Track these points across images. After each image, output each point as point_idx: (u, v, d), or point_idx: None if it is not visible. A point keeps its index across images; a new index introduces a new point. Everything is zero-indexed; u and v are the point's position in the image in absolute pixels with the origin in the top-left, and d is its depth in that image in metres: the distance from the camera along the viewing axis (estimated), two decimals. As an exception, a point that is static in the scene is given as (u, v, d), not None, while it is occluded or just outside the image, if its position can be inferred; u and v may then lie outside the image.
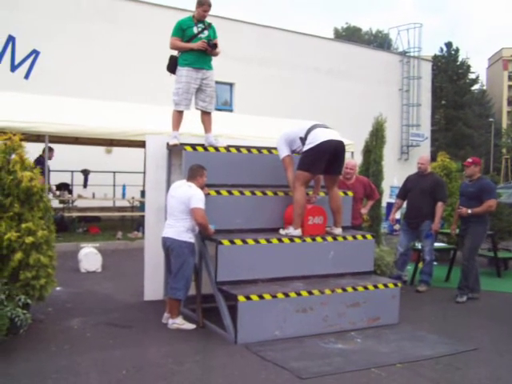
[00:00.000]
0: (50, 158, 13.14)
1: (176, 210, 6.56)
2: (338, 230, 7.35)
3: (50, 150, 13.21)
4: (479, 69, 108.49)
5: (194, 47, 7.43)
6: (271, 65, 23.90)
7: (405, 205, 9.62)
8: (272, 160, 7.57)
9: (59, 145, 14.16)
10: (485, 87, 62.15)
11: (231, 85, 23.40)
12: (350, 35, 53.86)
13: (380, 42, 51.50)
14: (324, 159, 6.98)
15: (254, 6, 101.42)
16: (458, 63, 52.40)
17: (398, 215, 11.01)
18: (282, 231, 7.15)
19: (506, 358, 6.05)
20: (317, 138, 6.96)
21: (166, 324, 6.67)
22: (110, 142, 15.60)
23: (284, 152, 7.23)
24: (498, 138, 49.56)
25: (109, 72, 19.03)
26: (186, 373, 5.27)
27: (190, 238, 6.57)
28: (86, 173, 16.33)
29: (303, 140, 7.08)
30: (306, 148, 7.02)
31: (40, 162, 12.80)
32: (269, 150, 7.71)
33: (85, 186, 16.32)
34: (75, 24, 18.91)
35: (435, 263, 9.78)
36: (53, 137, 12.52)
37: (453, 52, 52.34)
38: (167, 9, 20.84)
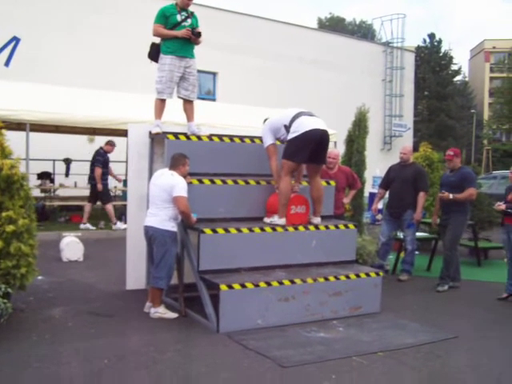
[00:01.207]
0: (109, 152, 13.15)
1: (158, 199, 6.53)
2: (317, 220, 7.34)
3: (111, 144, 13.19)
4: (461, 60, 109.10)
5: (178, 35, 7.37)
6: (255, 54, 23.84)
7: (387, 195, 9.66)
8: (254, 149, 7.56)
9: (41, 133, 14.03)
10: (467, 79, 62.48)
11: (214, 74, 23.34)
12: (333, 25, 53.90)
13: (364, 32, 51.54)
14: (308, 148, 6.94)
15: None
16: (441, 54, 52.67)
17: (380, 205, 11.07)
18: (266, 220, 7.15)
19: (486, 346, 6.12)
20: (302, 126, 6.91)
21: (148, 313, 6.65)
22: (92, 131, 15.49)
23: (268, 140, 7.20)
24: (479, 129, 49.88)
25: (91, 60, 18.88)
26: (167, 361, 5.27)
27: (172, 226, 6.55)
28: (67, 162, 16.23)
29: (287, 128, 7.02)
30: (290, 136, 6.98)
31: (100, 154, 12.79)
32: (251, 139, 7.69)
33: (67, 174, 16.23)
34: (59, 12, 18.74)
35: (417, 252, 9.85)
36: (34, 125, 12.38)
37: (436, 43, 52.59)
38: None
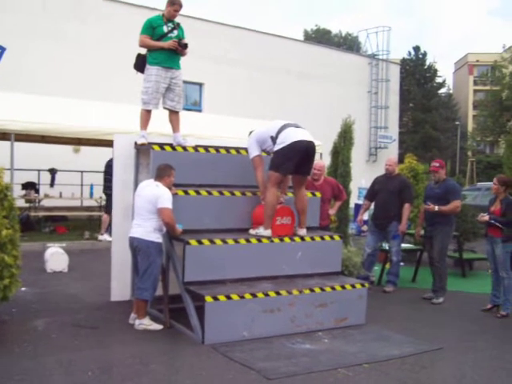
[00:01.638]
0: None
1: (143, 210, 6.51)
2: (302, 231, 7.34)
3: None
4: (446, 73, 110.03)
5: (164, 46, 7.38)
6: (241, 66, 23.92)
7: (372, 206, 9.70)
8: (240, 160, 7.56)
9: (26, 143, 13.96)
10: (451, 91, 62.98)
11: (201, 85, 23.36)
12: (319, 37, 54.13)
13: (349, 44, 51.80)
14: (295, 159, 6.96)
15: (223, 6, 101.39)
16: (426, 67, 53.07)
17: (365, 216, 11.10)
18: (251, 231, 7.14)
19: (470, 357, 6.14)
20: (288, 137, 6.93)
21: (132, 325, 6.61)
22: (77, 141, 15.42)
23: (254, 152, 7.21)
24: (463, 141, 50.25)
25: (77, 70, 18.84)
26: (152, 373, 5.23)
27: (157, 238, 6.53)
28: (53, 172, 16.15)
29: (274, 139, 7.04)
30: (276, 148, 7.00)
31: (110, 166, 12.61)
32: (237, 150, 7.70)
33: (52, 185, 16.14)
34: (44, 22, 18.70)
35: (402, 264, 9.88)
36: (19, 135, 12.30)
37: (420, 56, 53.00)
38: (137, 7, 20.70)
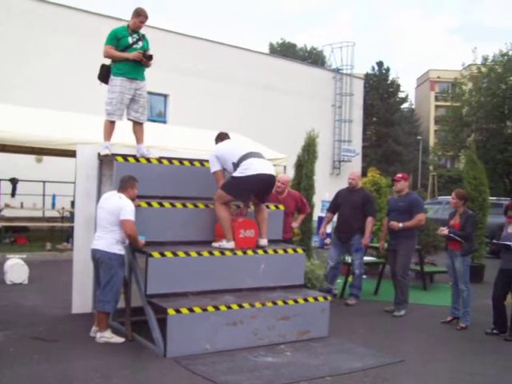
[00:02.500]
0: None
1: (106, 222, 6.46)
2: (263, 241, 7.33)
3: None
4: (408, 88, 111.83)
5: (129, 57, 7.35)
6: (206, 77, 23.89)
7: (335, 218, 9.76)
8: (204, 172, 7.56)
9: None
10: (413, 106, 63.97)
11: (166, 96, 23.27)
12: (285, 51, 54.42)
13: (314, 58, 52.22)
14: (252, 191, 7.04)
15: (189, 19, 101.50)
16: (389, 82, 53.83)
17: (328, 229, 11.16)
18: (214, 244, 7.13)
19: (431, 369, 6.22)
20: (249, 169, 6.90)
21: (94, 337, 6.53)
22: (40, 151, 15.22)
23: (215, 167, 7.18)
24: (425, 155, 50.96)
25: (42, 80, 18.61)
26: (113, 387, 5.18)
27: (119, 249, 6.48)
28: (14, 181, 15.87)
29: (235, 166, 7.02)
30: (237, 174, 6.97)
31: None
32: (201, 162, 7.70)
33: (13, 195, 15.86)
34: (11, 31, 18.46)
35: (364, 277, 9.96)
36: (-21, 144, 12.11)
37: (384, 71, 53.75)
38: (102, 17, 20.56)
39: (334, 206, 9.58)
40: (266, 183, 7.12)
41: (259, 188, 7.06)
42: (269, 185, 7.21)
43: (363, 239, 9.15)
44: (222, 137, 7.61)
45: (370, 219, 9.18)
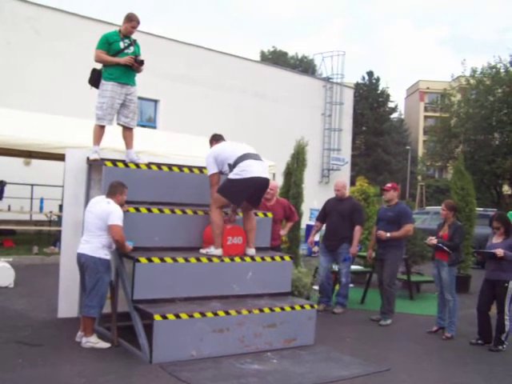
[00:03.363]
0: None
1: (93, 226, 6.44)
2: (251, 251, 7.34)
3: None
4: (398, 98, 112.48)
5: (121, 62, 7.35)
6: (197, 83, 23.93)
7: (324, 227, 9.76)
8: (193, 178, 7.57)
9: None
10: (403, 116, 64.29)
11: (156, 101, 23.27)
12: (276, 59, 54.58)
13: (305, 67, 52.39)
14: (247, 193, 7.02)
15: (180, 24, 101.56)
16: (379, 92, 54.11)
17: (316, 237, 11.17)
18: (202, 250, 7.12)
19: (416, 378, 6.23)
20: (246, 171, 6.90)
21: (79, 342, 6.50)
22: (28, 154, 15.16)
23: (212, 169, 7.17)
24: (414, 165, 51.22)
25: (30, 82, 18.56)
26: (97, 393, 5.15)
27: (105, 254, 6.46)
28: (2, 184, 15.78)
29: (231, 167, 7.02)
30: (232, 176, 6.97)
31: None
32: (190, 168, 7.70)
33: (0, 197, 15.77)
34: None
35: (351, 285, 9.97)
36: (-33, 146, 12.05)
37: (374, 81, 54.04)
38: (93, 21, 20.55)
39: (323, 215, 9.59)
40: (261, 187, 7.14)
41: (254, 191, 7.06)
42: (263, 188, 7.22)
43: (351, 248, 9.15)
44: (216, 138, 7.58)
45: (357, 228, 9.20)
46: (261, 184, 7.10)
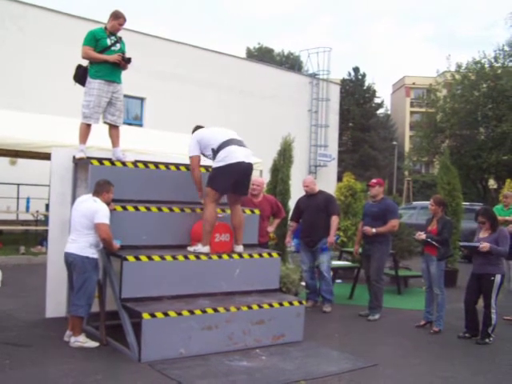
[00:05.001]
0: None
1: (80, 225, 6.42)
2: (239, 248, 7.35)
3: None
4: (384, 94, 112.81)
5: (109, 59, 7.31)
6: (183, 81, 23.86)
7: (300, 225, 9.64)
8: (180, 176, 7.56)
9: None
10: (389, 112, 64.41)
11: (142, 99, 23.20)
12: (261, 56, 54.52)
13: (291, 63, 52.37)
14: (231, 179, 6.99)
15: (166, 22, 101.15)
16: (365, 88, 54.16)
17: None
18: (190, 248, 7.12)
19: (404, 373, 6.26)
20: (228, 157, 6.91)
21: (68, 342, 6.49)
22: (14, 153, 15.06)
23: (194, 151, 7.19)
24: (400, 160, 51.37)
25: (15, 81, 18.43)
26: (86, 392, 5.14)
27: (92, 253, 6.44)
28: (-13, 184, 15.72)
29: (215, 152, 7.03)
30: (215, 165, 7.00)
31: None
32: (177, 166, 7.68)
33: (-14, 198, 15.70)
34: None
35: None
36: (-48, 146, 11.94)
37: (360, 77, 54.07)
38: (78, 19, 20.41)
39: (298, 214, 9.47)
40: (245, 171, 7.11)
41: (237, 178, 7.04)
42: (247, 174, 7.19)
43: (328, 237, 9.02)
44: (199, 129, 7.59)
45: (334, 218, 9.10)
46: (244, 169, 7.06)
